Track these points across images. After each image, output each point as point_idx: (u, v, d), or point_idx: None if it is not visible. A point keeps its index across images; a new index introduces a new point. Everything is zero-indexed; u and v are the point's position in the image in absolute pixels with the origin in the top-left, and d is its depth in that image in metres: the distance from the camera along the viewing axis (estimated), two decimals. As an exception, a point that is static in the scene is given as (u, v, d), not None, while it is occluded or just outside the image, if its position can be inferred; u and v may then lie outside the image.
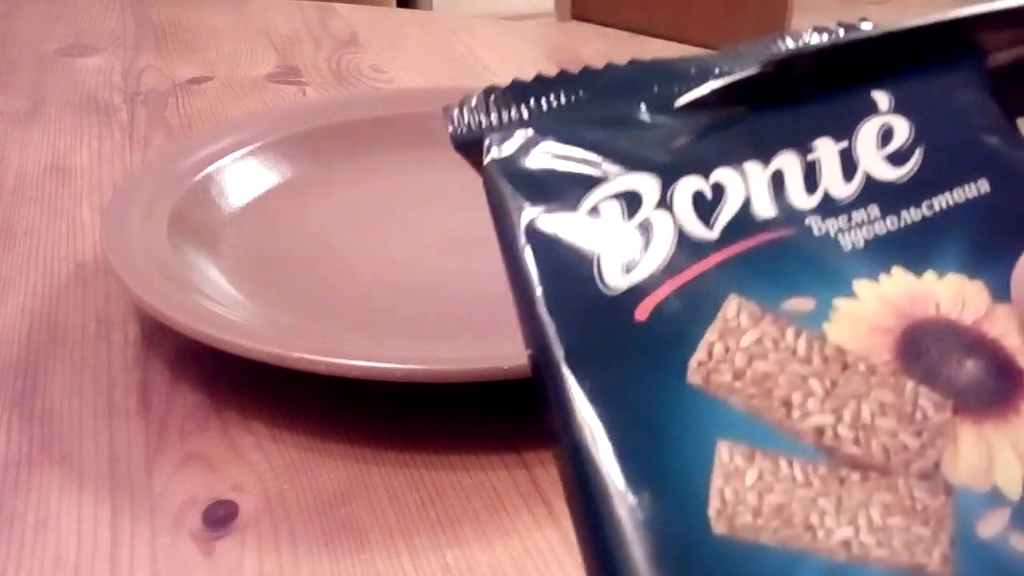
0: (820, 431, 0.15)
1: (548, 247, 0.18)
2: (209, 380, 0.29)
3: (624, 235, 0.18)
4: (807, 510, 0.14)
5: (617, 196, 0.18)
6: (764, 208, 0.18)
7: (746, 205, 0.18)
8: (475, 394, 0.28)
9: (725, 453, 0.15)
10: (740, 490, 0.15)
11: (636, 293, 0.17)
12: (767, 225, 0.18)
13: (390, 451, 0.27)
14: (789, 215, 0.18)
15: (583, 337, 0.17)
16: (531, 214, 0.19)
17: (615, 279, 0.17)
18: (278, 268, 0.34)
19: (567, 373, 0.16)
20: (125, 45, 0.60)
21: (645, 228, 0.18)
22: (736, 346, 0.16)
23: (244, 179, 0.38)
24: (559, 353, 0.17)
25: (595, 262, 0.18)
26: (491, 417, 0.28)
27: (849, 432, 0.15)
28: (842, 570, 0.14)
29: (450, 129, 0.22)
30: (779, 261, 0.17)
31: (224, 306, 0.30)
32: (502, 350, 0.27)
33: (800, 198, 0.18)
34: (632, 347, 0.16)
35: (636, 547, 0.14)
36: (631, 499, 0.15)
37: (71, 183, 0.43)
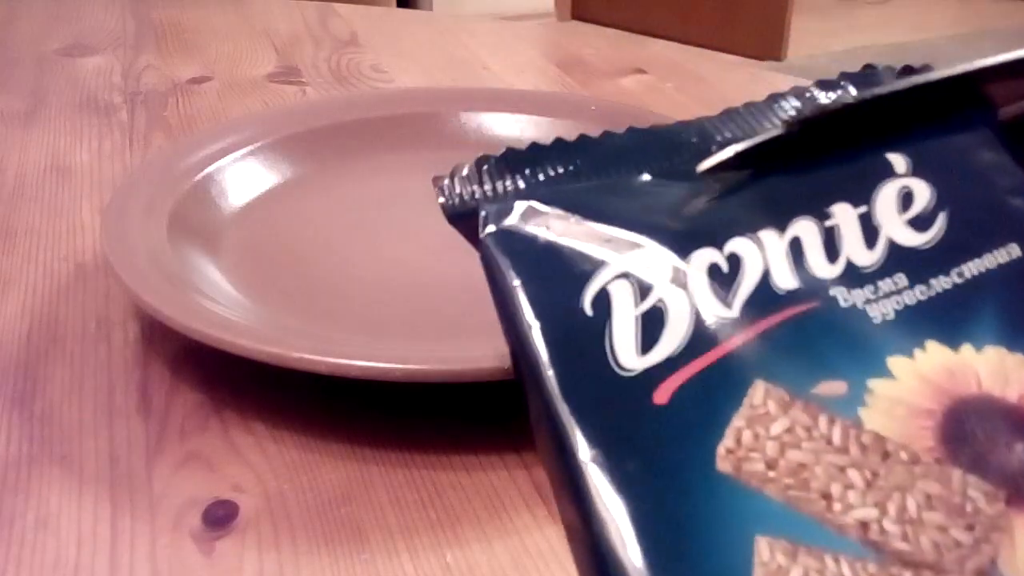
0: (865, 526, 0.14)
1: (556, 325, 0.17)
2: (209, 380, 0.29)
3: (637, 315, 0.16)
4: None
5: (626, 274, 0.17)
6: (785, 280, 0.17)
7: (766, 277, 0.17)
8: (475, 394, 0.28)
9: (765, 550, 0.14)
10: None
11: (654, 375, 0.16)
12: (790, 299, 0.16)
13: (390, 451, 0.27)
14: (812, 286, 0.16)
15: (600, 422, 0.16)
16: (535, 291, 0.17)
17: (630, 360, 0.16)
18: (278, 268, 0.34)
19: (585, 461, 0.15)
20: (125, 45, 0.60)
21: (659, 309, 0.16)
22: (766, 433, 0.15)
23: (244, 179, 0.38)
24: (576, 439, 0.15)
25: (607, 342, 0.16)
26: (491, 417, 0.28)
27: (896, 527, 0.14)
28: None
29: (441, 200, 0.20)
30: (806, 338, 0.16)
31: (224, 306, 0.30)
32: (502, 350, 0.27)
33: (822, 267, 0.17)
34: (653, 432, 0.15)
35: None
36: None
37: (71, 183, 0.43)
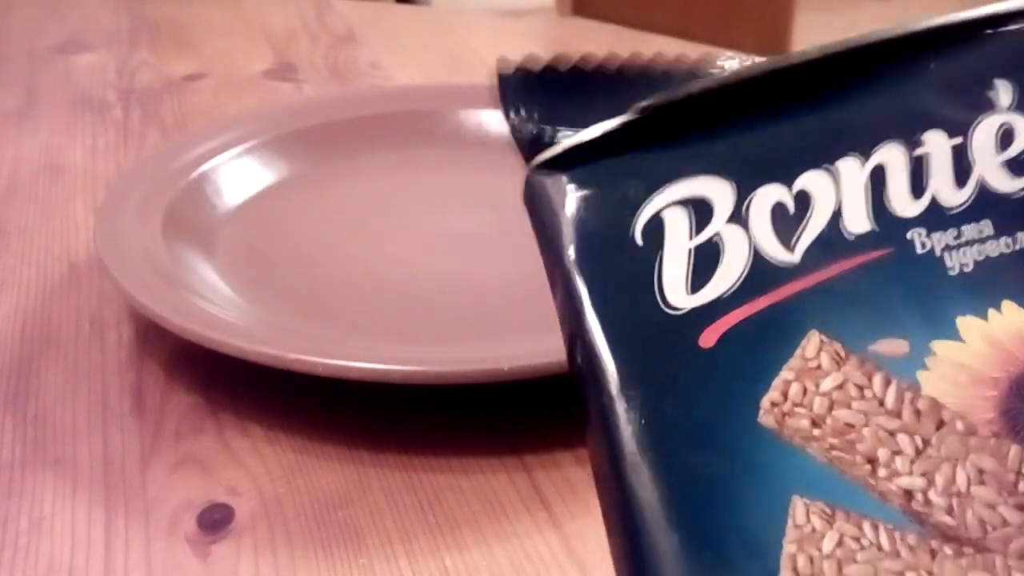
0: (909, 495, 0.13)
1: (602, 255, 0.16)
2: (204, 382, 0.29)
3: (691, 248, 0.15)
4: None
5: (684, 203, 0.16)
6: (858, 222, 0.15)
7: (835, 219, 0.15)
8: (475, 396, 0.28)
9: (800, 512, 0.13)
10: (816, 558, 0.13)
11: (702, 316, 0.15)
12: (861, 244, 0.15)
13: (388, 454, 0.26)
14: (888, 229, 0.15)
15: (639, 359, 0.15)
16: (583, 216, 0.16)
17: (678, 298, 0.15)
18: (274, 268, 0.33)
19: (618, 401, 0.14)
20: (119, 42, 0.60)
21: (715, 244, 0.15)
22: (815, 389, 0.14)
23: (240, 177, 0.38)
24: (610, 376, 0.15)
25: (656, 276, 0.15)
26: (491, 419, 0.27)
27: (942, 499, 0.13)
28: None
29: (504, 114, 0.18)
30: (872, 289, 0.15)
31: (219, 306, 0.30)
32: (502, 351, 0.26)
33: (903, 203, 0.15)
34: (695, 376, 0.14)
35: None
36: (686, 564, 0.13)
37: (65, 181, 0.42)
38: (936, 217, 0.15)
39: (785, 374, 0.14)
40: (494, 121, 0.42)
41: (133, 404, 0.28)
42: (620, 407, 0.14)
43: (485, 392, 0.27)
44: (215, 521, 0.24)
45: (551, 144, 0.17)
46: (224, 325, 0.28)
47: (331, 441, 0.27)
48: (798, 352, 0.14)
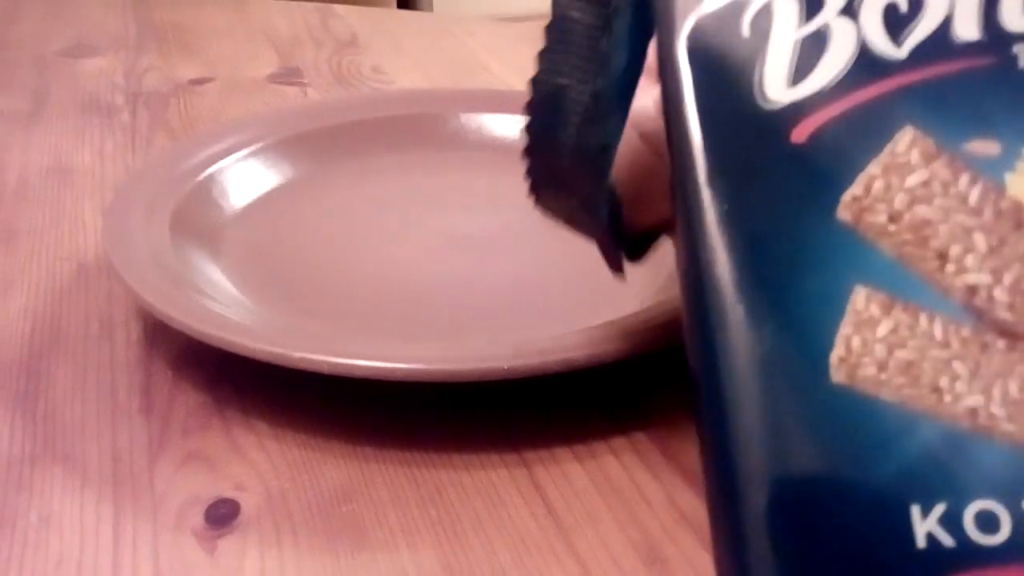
0: (973, 290, 0.14)
1: (707, 47, 0.16)
2: (211, 380, 0.30)
3: (797, 39, 0.15)
4: (938, 371, 0.13)
5: None
6: (967, 28, 0.15)
7: (946, 23, 0.15)
8: (476, 393, 0.28)
9: (861, 300, 0.14)
10: (869, 341, 0.13)
11: (798, 110, 0.15)
12: (967, 50, 0.15)
13: (391, 450, 0.27)
14: (995, 39, 0.15)
15: (731, 154, 0.15)
16: (692, 5, 0.16)
17: (777, 92, 0.15)
18: (280, 268, 0.34)
19: (705, 190, 0.15)
20: (127, 46, 0.60)
21: (822, 35, 0.15)
22: (900, 185, 0.14)
23: (246, 180, 0.39)
24: (700, 167, 0.15)
25: (758, 69, 0.15)
26: (491, 417, 0.28)
27: (1005, 296, 0.13)
28: (962, 439, 0.13)
29: None
30: (971, 94, 0.15)
31: (226, 306, 0.30)
32: (502, 350, 0.27)
33: (1015, 18, 0.15)
34: (782, 171, 0.15)
35: (749, 383, 0.13)
36: (751, 332, 0.14)
37: (73, 184, 0.43)
38: None
39: (872, 169, 0.14)
40: (496, 124, 0.43)
41: (141, 402, 0.29)
42: (706, 194, 0.15)
43: (486, 390, 0.28)
44: (222, 516, 0.24)
45: None
46: (231, 324, 0.28)
47: (335, 438, 0.27)
48: (889, 147, 0.14)
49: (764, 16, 0.16)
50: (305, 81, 0.54)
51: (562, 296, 0.32)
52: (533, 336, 0.29)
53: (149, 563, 0.23)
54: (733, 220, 0.15)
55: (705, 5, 0.16)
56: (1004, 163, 0.14)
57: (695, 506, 0.25)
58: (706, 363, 0.14)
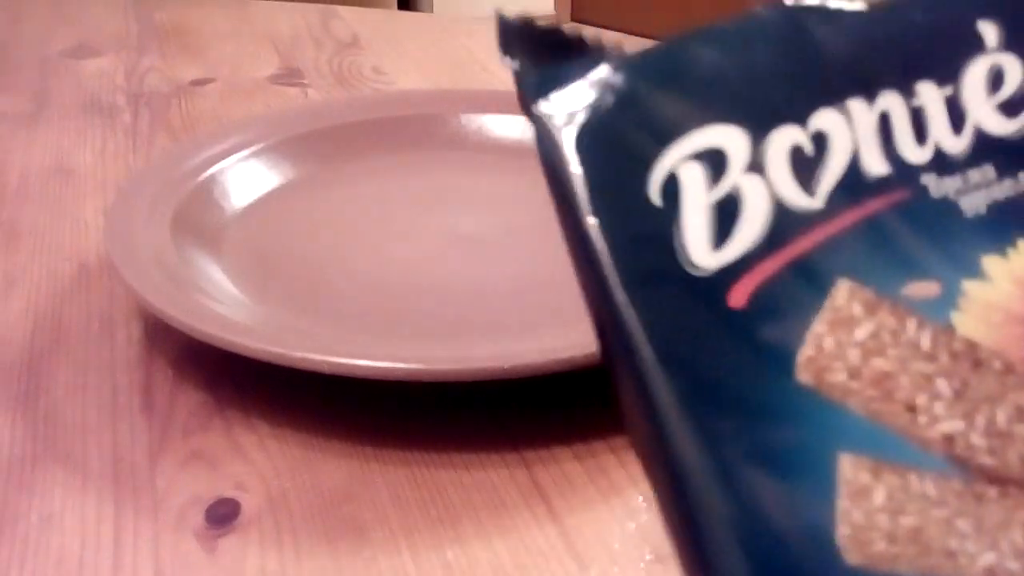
0: (950, 440, 0.13)
1: (618, 218, 0.15)
2: (212, 379, 0.30)
3: (710, 204, 0.15)
4: (944, 533, 0.13)
5: (697, 156, 0.15)
6: (875, 163, 0.15)
7: (854, 161, 0.15)
8: (476, 393, 0.28)
9: (848, 468, 0.13)
10: (870, 512, 0.13)
11: (728, 274, 0.14)
12: (880, 186, 0.15)
13: (391, 450, 0.27)
14: (903, 172, 0.15)
15: (670, 326, 0.14)
16: (596, 179, 0.15)
17: (703, 257, 0.14)
18: (280, 268, 0.34)
19: (655, 372, 0.14)
20: (128, 47, 0.61)
21: (733, 197, 0.15)
22: (849, 340, 0.14)
23: (246, 180, 0.39)
24: (644, 347, 0.14)
25: (677, 237, 0.15)
26: (491, 416, 0.28)
27: (983, 440, 0.13)
28: None
29: (507, 62, 0.17)
30: (896, 233, 0.14)
31: (227, 306, 0.30)
32: (502, 350, 0.27)
33: (911, 150, 0.15)
34: (728, 338, 0.14)
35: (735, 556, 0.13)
36: (743, 532, 0.13)
37: (75, 184, 0.43)
38: (943, 163, 0.15)
39: (818, 327, 0.14)
40: (494, 125, 0.43)
41: (142, 401, 0.29)
42: (657, 379, 0.14)
43: (486, 390, 0.28)
44: (222, 515, 0.25)
45: (553, 89, 0.16)
46: (231, 324, 0.28)
47: (336, 437, 0.27)
48: (828, 303, 0.14)
49: (671, 184, 0.15)
50: (306, 82, 0.54)
51: (562, 296, 0.32)
52: (533, 336, 0.29)
53: (150, 562, 0.23)
54: (692, 402, 0.14)
55: (604, 168, 0.15)
56: (947, 302, 0.14)
57: (695, 506, 0.25)
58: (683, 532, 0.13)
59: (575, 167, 0.16)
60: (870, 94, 0.15)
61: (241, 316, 0.29)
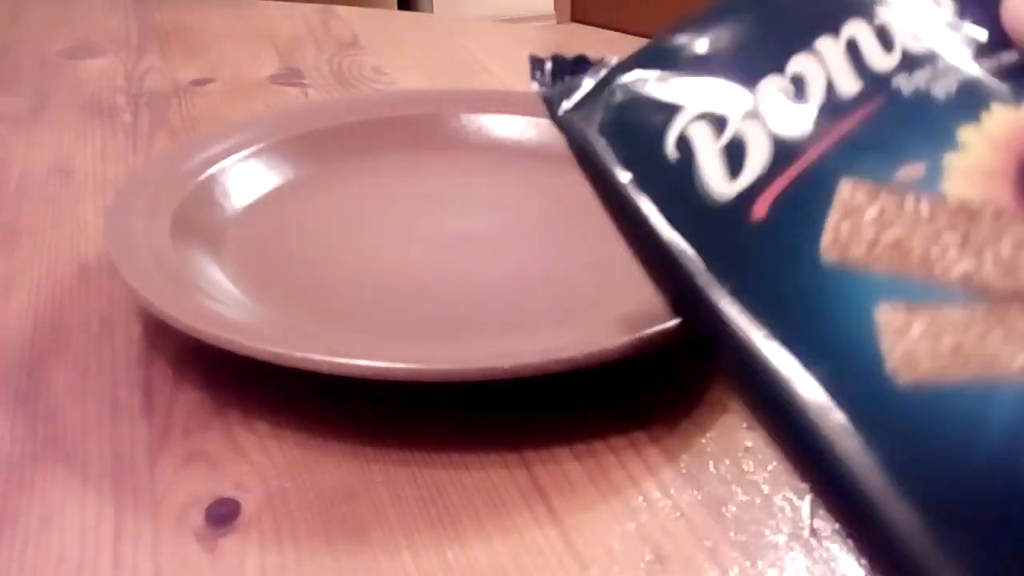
0: (968, 276, 0.16)
1: (647, 174, 0.19)
2: (212, 379, 0.30)
3: (719, 148, 0.18)
4: (983, 346, 0.15)
5: (702, 116, 0.19)
6: (848, 84, 0.18)
7: (830, 88, 0.18)
8: (476, 393, 0.28)
9: (886, 314, 0.16)
10: (911, 348, 0.15)
11: (747, 196, 0.18)
12: (857, 101, 0.18)
13: (391, 450, 0.27)
14: (875, 83, 0.18)
15: (713, 248, 0.18)
16: (621, 149, 0.19)
17: (722, 187, 0.18)
18: (280, 268, 0.34)
19: (710, 288, 0.17)
20: (128, 47, 0.61)
21: (738, 139, 0.18)
22: (861, 222, 0.17)
23: (247, 180, 0.39)
24: (696, 267, 0.18)
25: (696, 178, 0.18)
26: (491, 416, 0.28)
27: (995, 270, 0.16)
28: None
29: (536, 83, 0.22)
30: (880, 133, 0.17)
31: (226, 306, 0.30)
32: (502, 350, 0.27)
33: (880, 60, 0.18)
34: (760, 243, 0.17)
35: (831, 415, 0.15)
36: (809, 376, 0.16)
37: (75, 184, 0.43)
38: (910, 62, 0.18)
39: (833, 217, 0.17)
40: (494, 125, 0.43)
41: (142, 401, 0.29)
42: (715, 292, 0.17)
43: (486, 389, 0.28)
44: (222, 515, 0.25)
45: (572, 93, 0.21)
46: (231, 324, 0.28)
47: (336, 437, 0.27)
48: (836, 199, 0.17)
49: (684, 141, 0.19)
50: (306, 82, 0.54)
51: (562, 296, 0.32)
52: (533, 336, 0.29)
53: (149, 562, 0.23)
54: (750, 304, 0.17)
55: (630, 145, 0.19)
56: (934, 176, 0.17)
57: (695, 506, 0.25)
58: (785, 434, 0.16)
59: (603, 147, 0.19)
60: (835, 29, 0.19)
61: (241, 316, 0.29)
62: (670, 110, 0.19)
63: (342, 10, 0.69)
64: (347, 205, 0.38)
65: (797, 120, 0.18)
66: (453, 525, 0.24)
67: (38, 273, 0.36)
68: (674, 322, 0.27)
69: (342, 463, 0.26)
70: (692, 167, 0.19)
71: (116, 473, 0.26)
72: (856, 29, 0.18)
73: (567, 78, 0.21)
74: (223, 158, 0.39)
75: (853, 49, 0.18)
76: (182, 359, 0.31)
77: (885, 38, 0.18)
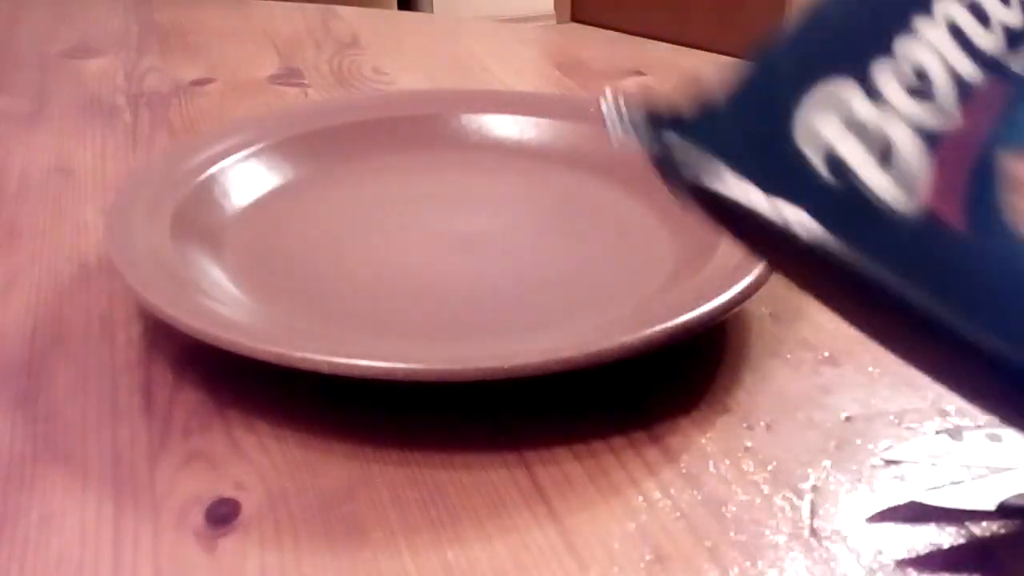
0: None
1: (827, 214, 0.18)
2: (212, 379, 0.30)
3: (876, 163, 0.18)
4: None
5: (846, 126, 0.18)
6: (966, 68, 0.18)
7: (952, 74, 0.18)
8: (476, 393, 0.28)
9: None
10: None
11: (920, 200, 0.17)
12: (983, 83, 0.18)
13: (391, 450, 0.27)
14: (991, 65, 0.18)
15: (902, 267, 0.17)
16: (758, 187, 0.18)
17: (897, 198, 0.18)
18: (280, 268, 0.34)
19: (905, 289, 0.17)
20: (128, 47, 0.61)
21: (887, 144, 0.18)
22: None
23: (247, 180, 0.39)
24: (888, 278, 0.17)
25: (873, 197, 0.18)
26: (491, 416, 0.28)
27: None
28: None
29: (630, 139, 0.20)
30: (1013, 105, 0.18)
31: (227, 306, 0.30)
32: (503, 349, 0.27)
33: (985, 40, 0.18)
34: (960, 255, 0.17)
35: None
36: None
37: (75, 184, 0.43)
38: (1014, 39, 0.18)
39: (1012, 199, 0.17)
40: (495, 125, 0.43)
41: (142, 401, 0.29)
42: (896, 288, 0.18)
43: (486, 390, 0.28)
44: (222, 515, 0.25)
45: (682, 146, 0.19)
46: (231, 324, 0.28)
47: (336, 437, 0.27)
48: (1007, 179, 0.17)
49: (834, 160, 0.18)
50: (306, 82, 0.54)
51: (562, 296, 0.32)
52: (533, 336, 0.29)
53: (149, 563, 0.23)
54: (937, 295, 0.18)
55: (757, 175, 0.18)
56: None
57: (695, 506, 0.25)
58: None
59: (742, 188, 0.18)
60: (927, 9, 0.18)
61: (241, 316, 0.29)
62: (788, 131, 0.18)
63: (342, 10, 0.69)
64: (346, 205, 0.38)
65: (937, 113, 0.18)
66: (453, 525, 0.24)
67: (38, 273, 0.36)
68: (674, 322, 0.27)
69: (342, 463, 0.26)
70: (859, 187, 0.18)
71: (116, 473, 0.26)
72: (949, 7, 0.18)
73: (664, 132, 0.19)
74: (223, 158, 0.39)
75: (956, 32, 0.18)
76: (182, 359, 0.31)
77: (979, 14, 0.18)
